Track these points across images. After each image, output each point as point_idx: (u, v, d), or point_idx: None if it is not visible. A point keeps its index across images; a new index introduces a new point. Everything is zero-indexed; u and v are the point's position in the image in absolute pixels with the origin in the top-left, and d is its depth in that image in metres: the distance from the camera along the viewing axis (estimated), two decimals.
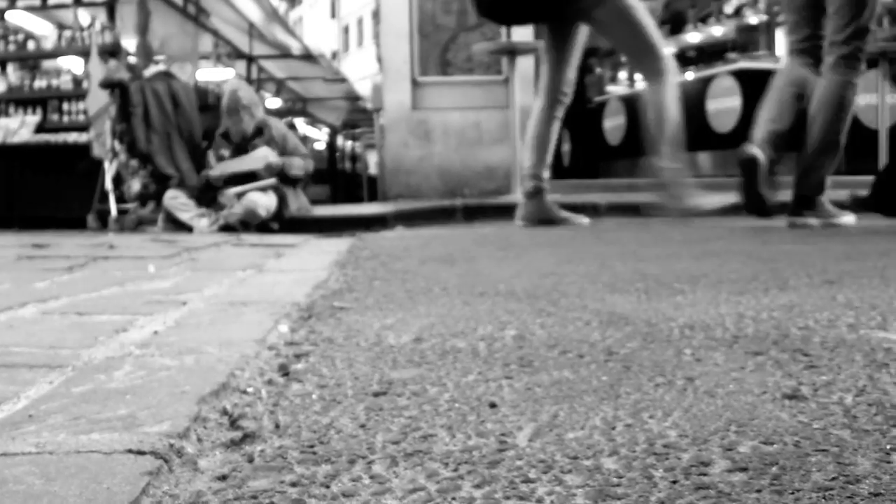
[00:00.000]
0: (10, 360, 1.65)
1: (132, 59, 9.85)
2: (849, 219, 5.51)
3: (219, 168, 7.19)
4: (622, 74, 14.81)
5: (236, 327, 1.98)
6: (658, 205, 6.05)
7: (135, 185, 7.82)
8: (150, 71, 8.43)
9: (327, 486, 1.00)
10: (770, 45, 12.53)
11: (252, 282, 2.92)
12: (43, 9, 11.29)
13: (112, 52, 9.56)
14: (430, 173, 7.49)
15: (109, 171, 8.14)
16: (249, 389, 1.45)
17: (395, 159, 8.86)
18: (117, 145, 8.00)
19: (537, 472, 1.04)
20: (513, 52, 7.92)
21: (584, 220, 6.32)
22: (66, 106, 10.69)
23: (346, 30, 48.55)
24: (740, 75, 10.20)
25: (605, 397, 1.38)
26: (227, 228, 6.55)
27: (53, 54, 11.14)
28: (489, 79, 7.55)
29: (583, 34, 5.97)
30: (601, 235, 5.18)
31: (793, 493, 0.95)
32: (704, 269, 3.10)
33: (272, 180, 6.92)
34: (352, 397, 1.40)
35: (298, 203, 7.15)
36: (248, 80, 14.83)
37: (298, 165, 7.21)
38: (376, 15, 10.41)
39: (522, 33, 8.39)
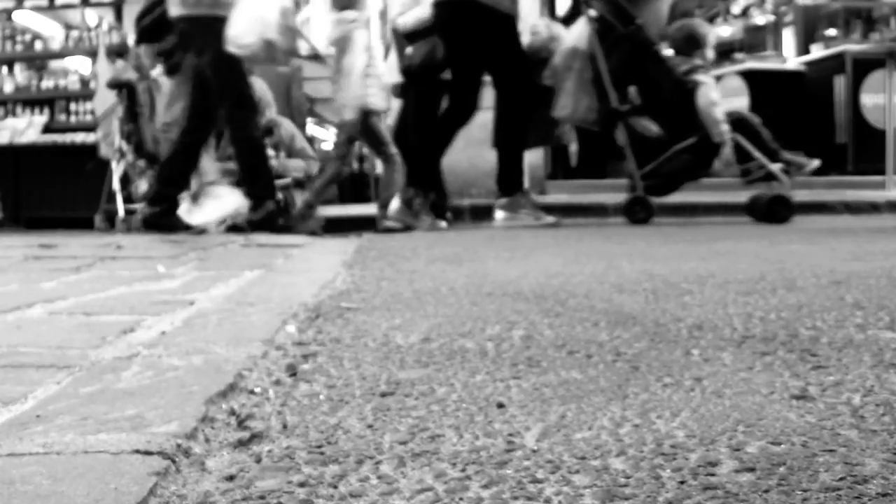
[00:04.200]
0: (17, 361, 1.65)
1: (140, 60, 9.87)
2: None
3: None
4: None
5: (244, 327, 1.98)
6: None
7: (142, 186, 7.84)
8: (158, 71, 8.43)
9: (335, 487, 1.00)
10: (777, 46, 12.51)
11: (260, 282, 2.92)
12: (50, 9, 11.32)
13: (119, 52, 9.57)
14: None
15: (117, 171, 8.16)
16: (257, 389, 1.45)
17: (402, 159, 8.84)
18: (125, 145, 8.02)
19: (545, 473, 1.04)
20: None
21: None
22: (73, 106, 10.71)
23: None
24: (748, 75, 10.19)
25: (612, 397, 1.37)
26: (234, 229, 6.55)
27: (61, 54, 11.17)
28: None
29: None
30: (608, 235, 5.18)
31: (800, 494, 0.95)
32: (712, 269, 3.09)
33: (281, 181, 6.94)
34: (360, 397, 1.40)
35: None
36: None
37: (297, 167, 7.21)
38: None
39: None
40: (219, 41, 5.81)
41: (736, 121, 6.33)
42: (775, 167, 6.22)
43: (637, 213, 6.34)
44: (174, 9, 6.02)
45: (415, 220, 6.39)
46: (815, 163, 6.46)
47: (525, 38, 6.57)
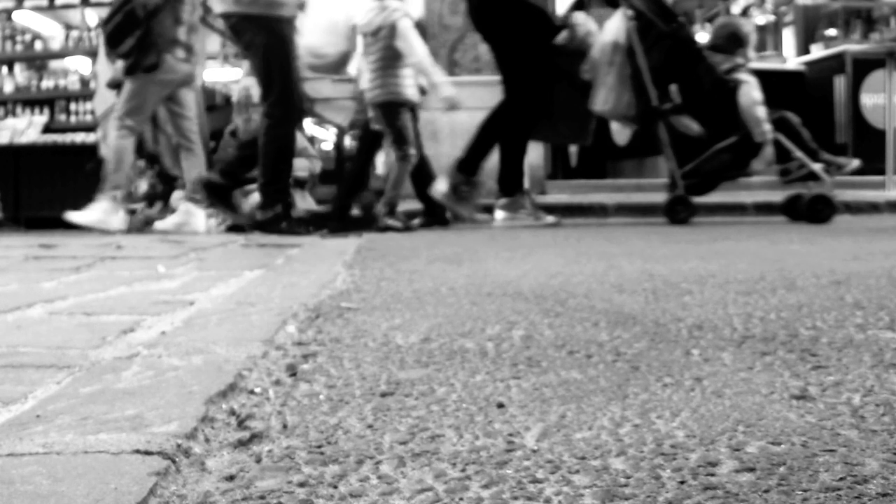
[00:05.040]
0: (17, 361, 1.65)
1: None
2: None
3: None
4: None
5: (244, 327, 1.98)
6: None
7: (142, 186, 7.83)
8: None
9: (335, 487, 1.00)
10: (777, 46, 12.50)
11: (260, 282, 2.92)
12: (50, 9, 11.30)
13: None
14: (437, 173, 7.47)
15: None
16: (257, 390, 1.45)
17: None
18: None
19: (545, 473, 1.04)
20: None
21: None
22: (73, 106, 10.70)
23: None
24: None
25: (612, 397, 1.37)
26: (234, 228, 6.55)
27: (61, 54, 11.16)
28: (497, 79, 7.54)
29: None
30: (608, 235, 5.18)
31: (800, 494, 0.95)
32: (712, 269, 3.09)
33: None
34: (359, 397, 1.40)
35: (305, 203, 7.14)
36: None
37: (302, 167, 7.19)
38: None
39: None
40: (269, 37, 5.80)
41: (777, 120, 6.31)
42: (817, 167, 6.21)
43: (679, 212, 6.29)
44: (221, 5, 5.98)
45: (457, 206, 6.45)
46: (856, 162, 6.46)
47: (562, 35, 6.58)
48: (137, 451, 1.08)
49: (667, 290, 2.61)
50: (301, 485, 1.01)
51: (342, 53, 6.06)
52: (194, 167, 6.90)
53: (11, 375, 1.52)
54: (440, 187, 6.47)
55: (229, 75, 13.80)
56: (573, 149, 11.26)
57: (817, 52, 10.88)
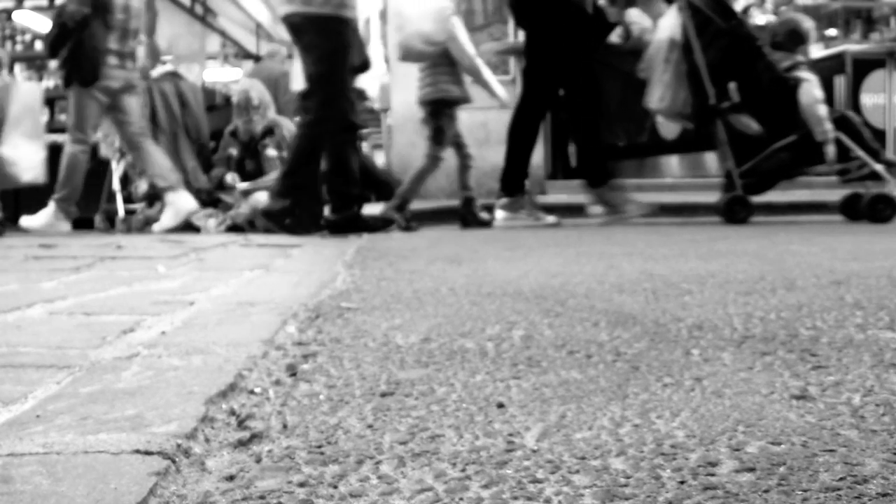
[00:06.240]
0: (17, 361, 1.65)
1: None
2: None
3: (243, 184, 7.25)
4: None
5: (244, 327, 1.98)
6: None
7: (142, 186, 7.83)
8: (158, 71, 8.43)
9: (335, 487, 1.00)
10: None
11: (260, 282, 2.92)
12: (50, 9, 11.29)
13: None
14: (437, 173, 7.45)
15: (117, 171, 8.14)
16: (257, 390, 1.45)
17: (402, 159, 8.85)
18: (125, 146, 8.01)
19: (545, 473, 1.04)
20: (520, 52, 7.90)
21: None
22: None
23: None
24: None
25: (612, 397, 1.37)
26: (234, 228, 6.55)
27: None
28: (496, 79, 7.56)
29: None
30: (608, 235, 5.18)
31: (800, 494, 0.95)
32: (712, 269, 3.09)
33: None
34: (360, 397, 1.40)
35: None
36: None
37: None
38: (383, 15, 10.39)
39: None
40: (332, 41, 5.75)
41: (838, 119, 6.26)
42: (879, 167, 6.17)
43: (738, 212, 6.22)
44: (287, 6, 5.91)
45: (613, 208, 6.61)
46: None
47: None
48: (137, 451, 1.08)
49: (667, 290, 2.61)
50: (301, 485, 1.01)
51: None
52: (153, 163, 6.98)
53: (11, 375, 1.52)
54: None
55: (229, 75, 13.81)
56: (573, 149, 11.26)
57: (817, 52, 10.88)
